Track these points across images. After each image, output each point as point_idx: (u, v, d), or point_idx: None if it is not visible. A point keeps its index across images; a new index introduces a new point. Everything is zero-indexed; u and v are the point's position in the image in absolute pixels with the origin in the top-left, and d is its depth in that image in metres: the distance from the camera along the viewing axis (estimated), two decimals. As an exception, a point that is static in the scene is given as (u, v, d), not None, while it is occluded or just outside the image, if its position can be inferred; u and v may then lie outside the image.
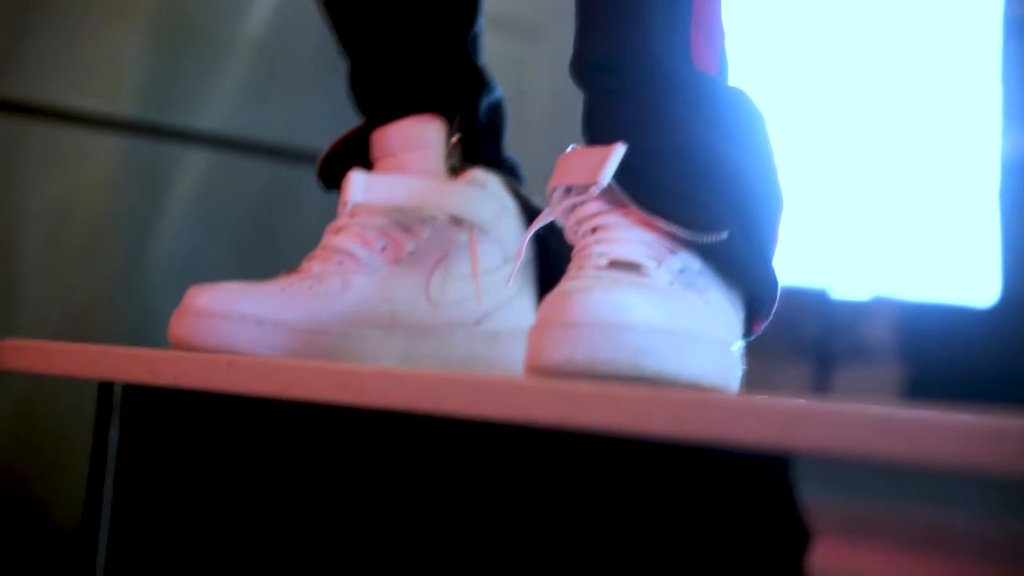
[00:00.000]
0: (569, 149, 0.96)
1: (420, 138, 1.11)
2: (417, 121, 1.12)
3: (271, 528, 0.91)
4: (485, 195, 1.11)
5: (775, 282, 0.94)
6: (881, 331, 2.50)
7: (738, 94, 0.96)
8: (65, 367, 0.96)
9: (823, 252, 2.59)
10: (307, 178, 1.93)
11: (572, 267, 0.87)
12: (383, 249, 1.07)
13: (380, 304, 1.06)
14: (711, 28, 0.95)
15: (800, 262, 2.56)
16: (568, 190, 0.92)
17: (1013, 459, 0.56)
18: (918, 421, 0.58)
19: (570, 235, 0.92)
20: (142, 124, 1.77)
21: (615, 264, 0.85)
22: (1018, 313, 2.43)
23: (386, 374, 0.79)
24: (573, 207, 0.92)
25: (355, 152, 1.16)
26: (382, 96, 1.14)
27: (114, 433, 0.99)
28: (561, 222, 0.94)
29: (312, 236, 1.89)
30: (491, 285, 1.10)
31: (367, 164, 1.14)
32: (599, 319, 0.76)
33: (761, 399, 0.65)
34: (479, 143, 1.15)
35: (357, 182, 1.09)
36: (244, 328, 1.00)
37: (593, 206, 0.91)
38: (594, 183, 0.90)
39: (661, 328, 0.78)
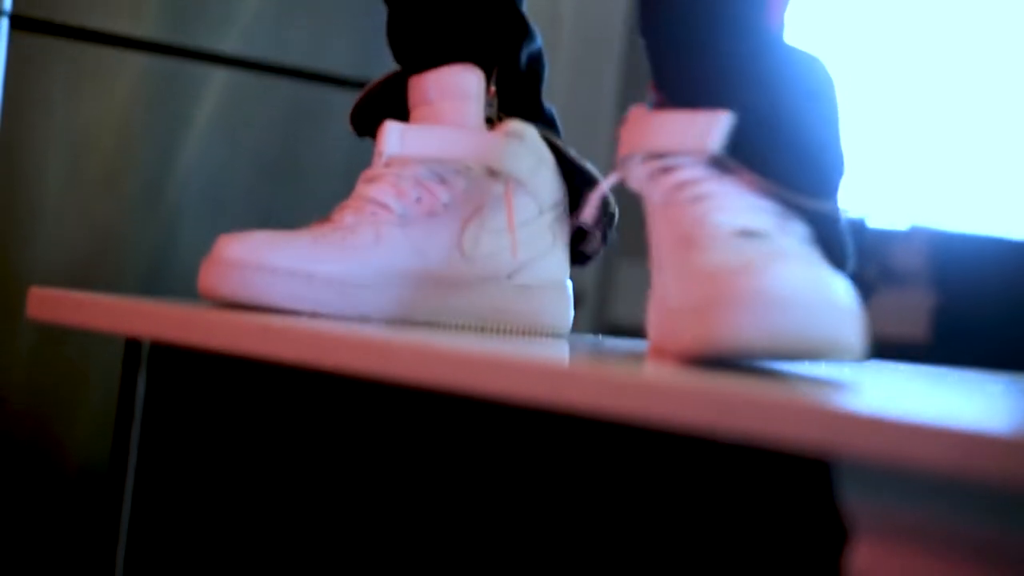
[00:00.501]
0: (635, 108, 0.94)
1: (459, 87, 1.09)
2: (457, 70, 1.09)
3: (294, 493, 0.91)
4: (522, 147, 1.08)
5: (851, 257, 0.92)
6: (916, 260, 2.49)
7: (815, 61, 0.94)
8: (94, 321, 0.95)
9: (861, 181, 2.56)
10: (331, 99, 1.92)
11: (693, 236, 0.85)
12: (418, 200, 1.06)
13: (413, 257, 1.04)
14: None
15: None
16: (652, 155, 0.90)
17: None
18: (965, 433, 0.57)
19: (655, 201, 0.90)
20: (167, 44, 1.75)
21: (743, 233, 0.84)
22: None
23: (422, 350, 0.77)
24: (662, 172, 0.90)
25: (389, 99, 1.14)
26: (422, 43, 1.11)
27: (141, 388, 0.98)
28: (638, 187, 0.92)
29: (335, 158, 1.89)
30: (525, 238, 1.09)
31: (402, 111, 1.12)
32: (779, 297, 0.74)
33: (808, 399, 0.64)
34: (518, 94, 1.13)
35: (393, 133, 1.07)
36: (276, 280, 0.98)
37: (693, 172, 0.89)
38: (702, 151, 0.88)
39: (827, 303, 0.76)
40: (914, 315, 2.46)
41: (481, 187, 1.07)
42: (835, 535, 0.65)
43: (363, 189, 1.07)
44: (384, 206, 1.05)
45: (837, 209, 0.90)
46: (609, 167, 0.95)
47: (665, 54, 0.94)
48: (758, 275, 0.75)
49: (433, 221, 1.06)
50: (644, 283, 0.95)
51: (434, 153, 1.07)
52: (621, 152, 0.93)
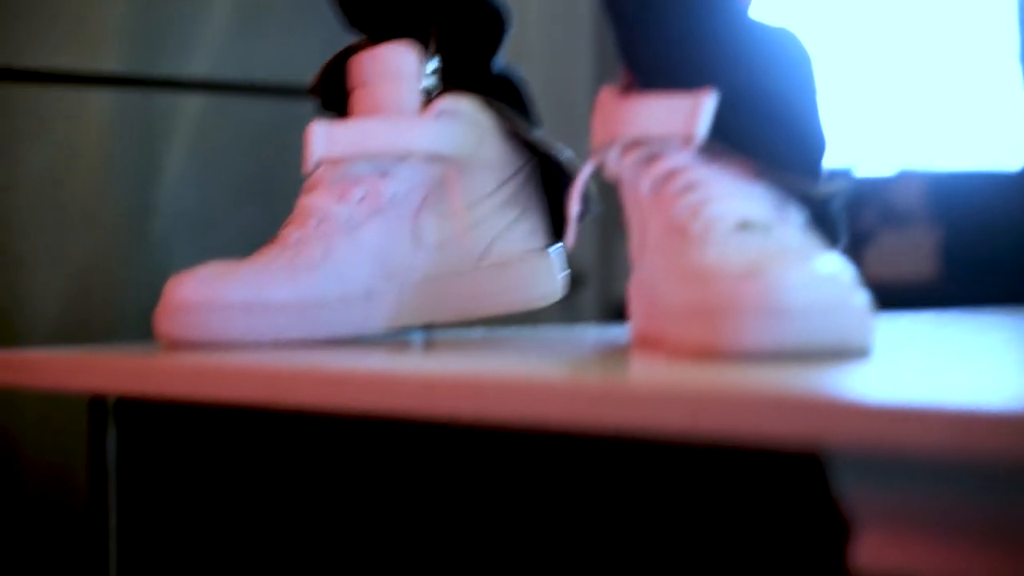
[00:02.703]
0: (605, 90, 0.89)
1: (395, 68, 1.02)
2: (392, 49, 1.02)
3: (280, 538, 0.87)
4: (458, 124, 1.02)
5: (844, 233, 0.89)
6: (913, 202, 2.45)
7: (788, 34, 0.89)
8: (51, 380, 0.91)
9: (845, 130, 2.52)
10: (304, 111, 1.88)
11: (688, 229, 0.81)
12: (362, 200, 1.00)
13: (368, 263, 0.98)
14: None
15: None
16: (633, 143, 0.86)
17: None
18: (954, 414, 0.53)
19: (643, 191, 0.86)
20: (132, 77, 1.72)
21: (742, 226, 0.80)
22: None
23: (381, 378, 0.73)
24: (646, 161, 0.86)
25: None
26: (367, 11, 1.06)
27: (111, 445, 0.94)
28: (618, 175, 0.88)
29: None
30: (487, 213, 1.03)
31: None
32: (786, 305, 0.71)
33: (787, 392, 0.59)
34: (463, 59, 1.05)
35: (318, 135, 1.01)
36: (231, 316, 0.94)
37: (680, 159, 0.84)
38: (688, 137, 0.84)
39: (834, 306, 0.73)
40: (919, 255, 2.43)
41: (426, 172, 1.01)
42: (836, 531, 0.60)
43: (303, 201, 1.01)
44: (327, 214, 0.99)
45: (829, 187, 0.86)
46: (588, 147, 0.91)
47: (632, 32, 0.89)
48: (762, 280, 0.72)
49: (381, 218, 1.00)
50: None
51: (363, 148, 1.00)
52: (596, 140, 0.89)
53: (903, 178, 2.47)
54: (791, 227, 0.83)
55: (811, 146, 0.88)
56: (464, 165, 1.02)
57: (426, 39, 1.03)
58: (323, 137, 1.01)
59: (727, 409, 0.59)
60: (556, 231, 1.06)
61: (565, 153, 1.06)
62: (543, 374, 0.78)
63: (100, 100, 1.70)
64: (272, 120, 1.82)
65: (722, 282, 0.74)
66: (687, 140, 0.84)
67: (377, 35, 1.04)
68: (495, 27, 1.07)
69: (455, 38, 1.05)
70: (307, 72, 1.84)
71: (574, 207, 0.88)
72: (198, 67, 1.76)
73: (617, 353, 0.90)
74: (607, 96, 0.89)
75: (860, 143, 2.53)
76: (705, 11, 0.88)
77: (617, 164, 0.87)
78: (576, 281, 1.07)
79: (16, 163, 1.64)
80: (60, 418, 1.61)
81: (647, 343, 0.88)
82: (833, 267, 0.75)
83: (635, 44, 0.90)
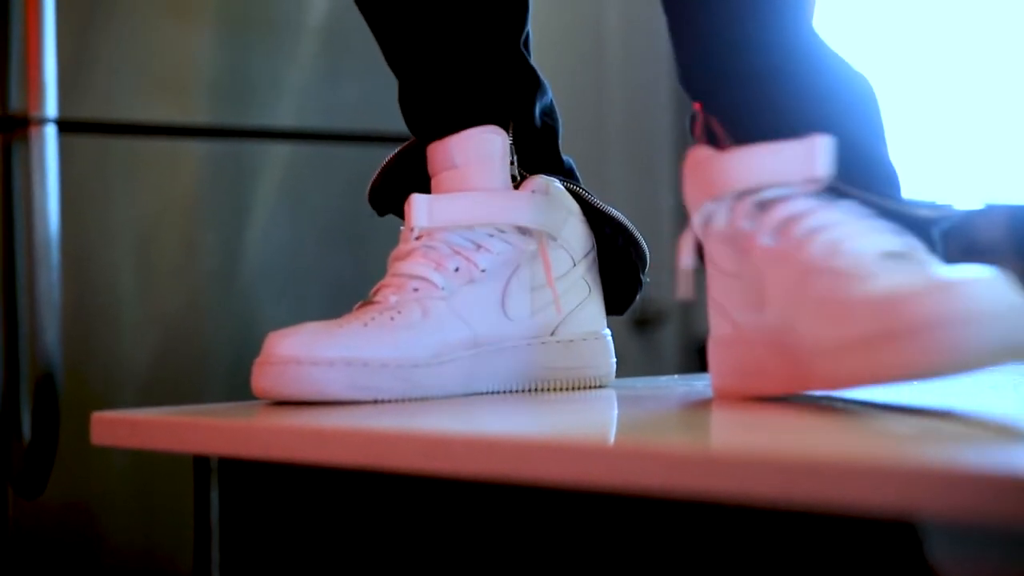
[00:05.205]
0: (694, 150, 0.91)
1: (484, 150, 1.07)
2: (481, 132, 1.08)
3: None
4: (550, 202, 1.08)
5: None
6: (998, 236, 2.43)
7: (862, 79, 0.91)
8: (155, 442, 0.94)
9: (928, 163, 2.51)
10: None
11: (833, 268, 0.80)
12: (456, 270, 1.04)
13: (461, 328, 1.03)
14: None
15: (907, 176, 2.46)
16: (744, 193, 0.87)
17: None
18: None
19: (762, 241, 0.86)
20: (220, 128, 1.75)
21: (889, 256, 0.80)
22: None
23: (477, 441, 0.75)
24: (761, 209, 0.86)
25: (406, 173, 1.12)
26: (438, 109, 1.10)
27: (215, 503, 0.96)
28: (731, 230, 0.88)
29: (399, 216, 1.87)
30: (563, 291, 1.08)
31: (420, 182, 1.11)
32: (1004, 304, 0.72)
33: (880, 460, 0.60)
34: (536, 149, 1.11)
35: (420, 206, 1.05)
36: (333, 372, 0.97)
37: (803, 203, 0.85)
38: (812, 179, 0.85)
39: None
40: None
41: (515, 247, 1.06)
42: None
43: (399, 267, 1.05)
44: (425, 280, 1.03)
45: (938, 211, 0.87)
46: (670, 208, 0.92)
47: (720, 88, 0.91)
48: (953, 291, 0.72)
49: (474, 289, 1.04)
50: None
51: (464, 220, 1.05)
52: (697, 198, 0.90)
53: (988, 212, 2.46)
54: (925, 253, 0.83)
55: (897, 182, 0.90)
56: (549, 241, 1.07)
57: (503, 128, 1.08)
58: (424, 208, 1.05)
59: (819, 477, 0.60)
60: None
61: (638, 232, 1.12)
62: (629, 437, 0.79)
63: (191, 151, 1.74)
64: (359, 167, 1.84)
65: (910, 303, 0.73)
66: (811, 183, 0.85)
67: (445, 133, 1.08)
68: (554, 118, 1.13)
69: (526, 128, 1.10)
70: (392, 118, 1.86)
71: (686, 259, 0.90)
72: (284, 117, 1.80)
73: (701, 412, 0.91)
74: (702, 155, 0.91)
75: (943, 176, 2.52)
76: (792, 56, 0.90)
77: (726, 217, 0.88)
78: (657, 319, 1.10)
79: (111, 214, 1.68)
80: (149, 478, 1.65)
81: (734, 397, 0.89)
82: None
83: (725, 98, 0.91)
